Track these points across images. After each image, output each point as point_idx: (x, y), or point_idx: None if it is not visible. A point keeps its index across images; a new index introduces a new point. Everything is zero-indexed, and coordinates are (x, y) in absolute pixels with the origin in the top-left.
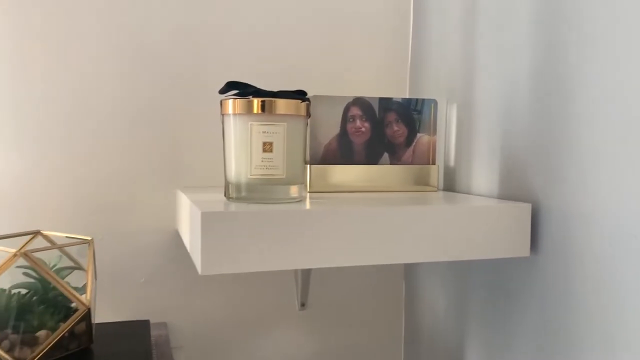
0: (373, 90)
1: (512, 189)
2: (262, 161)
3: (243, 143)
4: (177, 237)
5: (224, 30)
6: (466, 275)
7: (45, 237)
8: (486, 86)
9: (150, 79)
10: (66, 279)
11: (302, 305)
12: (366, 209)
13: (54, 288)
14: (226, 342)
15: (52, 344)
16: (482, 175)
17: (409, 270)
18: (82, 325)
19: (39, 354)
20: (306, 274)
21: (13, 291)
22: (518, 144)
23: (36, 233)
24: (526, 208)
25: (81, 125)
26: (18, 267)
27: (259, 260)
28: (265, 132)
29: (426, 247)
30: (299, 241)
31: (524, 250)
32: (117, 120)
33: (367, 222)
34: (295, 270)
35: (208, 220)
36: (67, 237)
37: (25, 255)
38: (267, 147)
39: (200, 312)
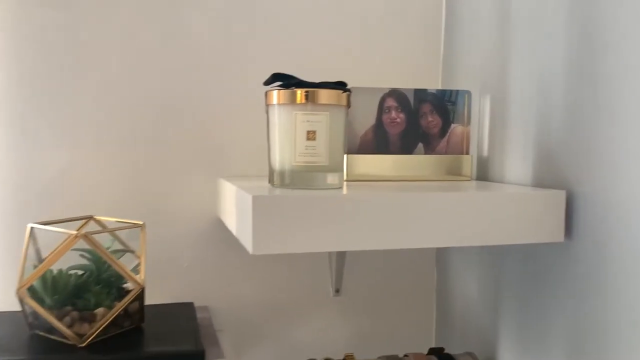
0: (404, 82)
1: (546, 178)
2: (306, 149)
3: (287, 132)
4: (218, 224)
5: (264, 23)
6: (499, 262)
7: (98, 222)
8: (520, 76)
9: (195, 73)
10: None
11: (337, 291)
12: (404, 195)
13: (108, 270)
14: (263, 326)
15: (109, 320)
16: (516, 165)
17: (441, 258)
18: (136, 304)
19: (97, 329)
20: (340, 261)
21: (70, 272)
22: (552, 133)
23: (89, 218)
24: (561, 195)
25: (128, 116)
26: (74, 249)
27: (303, 242)
28: (309, 121)
29: (461, 232)
30: (341, 225)
31: (559, 236)
32: (162, 111)
33: (404, 207)
34: (330, 257)
35: (258, 204)
36: (117, 221)
37: (85, 236)
38: (311, 135)
39: (239, 297)
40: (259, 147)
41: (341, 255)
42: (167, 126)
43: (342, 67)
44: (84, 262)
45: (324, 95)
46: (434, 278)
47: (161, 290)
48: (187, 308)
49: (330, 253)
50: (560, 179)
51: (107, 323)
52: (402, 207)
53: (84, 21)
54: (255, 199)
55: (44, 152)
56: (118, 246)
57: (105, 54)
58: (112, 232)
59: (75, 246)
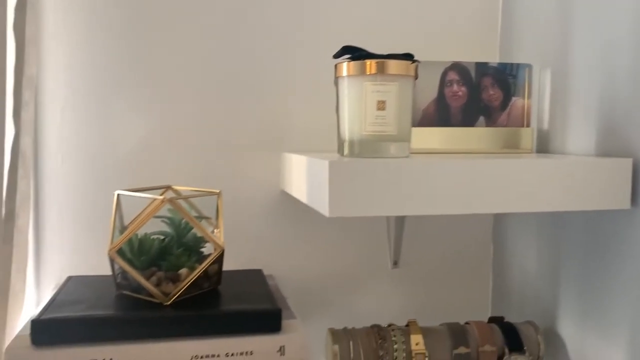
0: (462, 55)
1: (609, 148)
2: (376, 119)
3: (357, 102)
4: (281, 198)
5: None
6: (559, 232)
7: (175, 191)
8: (582, 47)
9: (260, 50)
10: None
11: (395, 263)
12: (471, 161)
13: (187, 235)
14: (323, 296)
15: (191, 280)
16: (578, 137)
17: (498, 232)
18: (215, 267)
19: (181, 289)
20: (399, 234)
21: (153, 237)
22: (617, 104)
23: (167, 187)
24: (626, 162)
25: (199, 92)
26: (155, 217)
27: (375, 205)
28: (379, 91)
29: (525, 198)
30: (410, 190)
31: (624, 203)
32: (231, 88)
33: (471, 173)
34: (389, 231)
35: (334, 169)
36: (193, 190)
37: (171, 201)
38: (381, 105)
39: (301, 267)
40: (321, 124)
41: (399, 229)
42: (235, 102)
43: (402, 41)
44: (164, 229)
45: (394, 66)
46: (490, 252)
47: (227, 259)
48: (257, 274)
49: (388, 226)
50: (625, 149)
51: (190, 282)
52: (469, 173)
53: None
54: (332, 164)
55: (122, 127)
56: (194, 214)
57: (177, 31)
58: (194, 197)
59: (157, 213)
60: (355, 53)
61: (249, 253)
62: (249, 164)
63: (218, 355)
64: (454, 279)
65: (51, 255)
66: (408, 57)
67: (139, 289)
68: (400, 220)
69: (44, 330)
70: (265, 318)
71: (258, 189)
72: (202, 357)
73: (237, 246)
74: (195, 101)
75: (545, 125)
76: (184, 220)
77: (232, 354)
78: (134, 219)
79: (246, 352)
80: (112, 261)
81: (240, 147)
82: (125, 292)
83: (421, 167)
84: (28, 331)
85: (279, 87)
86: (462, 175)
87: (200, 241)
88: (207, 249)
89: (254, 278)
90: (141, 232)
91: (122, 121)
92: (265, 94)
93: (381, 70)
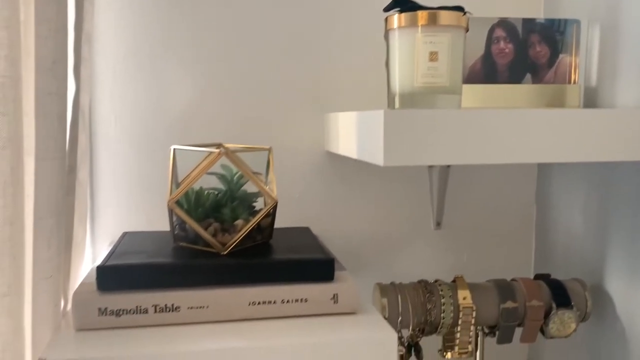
0: (506, 10)
1: None
2: (428, 70)
3: (409, 55)
4: (325, 158)
5: None
6: (606, 189)
7: (226, 148)
8: (634, 1)
9: (301, 8)
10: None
11: (438, 224)
12: (521, 111)
13: (239, 190)
14: (365, 257)
15: (248, 230)
16: (628, 92)
17: (541, 191)
18: (268, 220)
19: (238, 238)
20: (442, 195)
21: (207, 191)
22: None
23: (219, 145)
24: None
25: (247, 50)
26: (208, 173)
27: (426, 155)
28: (431, 42)
29: (575, 148)
30: (462, 139)
31: None
32: (275, 47)
33: (522, 122)
34: (431, 192)
35: (389, 119)
36: (244, 147)
37: (227, 153)
38: (433, 56)
39: (344, 227)
40: (365, 85)
41: (442, 191)
42: (280, 62)
43: None
44: (216, 186)
45: (445, 16)
46: (533, 213)
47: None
48: (305, 231)
49: (431, 188)
50: None
51: (245, 233)
52: (521, 123)
53: None
54: (387, 113)
55: (172, 87)
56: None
57: None
58: (248, 151)
59: (210, 170)
60: (405, 5)
61: (294, 213)
62: (294, 125)
63: (274, 302)
64: (496, 240)
65: (105, 213)
66: (459, 9)
67: (196, 239)
68: (444, 182)
69: (109, 276)
70: (320, 267)
71: (302, 150)
72: (258, 303)
73: (282, 205)
74: (243, 61)
75: (593, 82)
76: (236, 176)
77: (288, 301)
78: (189, 174)
79: (301, 299)
80: (170, 212)
81: (286, 108)
82: (182, 244)
83: (473, 117)
84: (91, 279)
85: (323, 48)
86: (513, 125)
87: (252, 196)
88: (258, 204)
89: (303, 234)
90: (195, 187)
91: (173, 81)
92: (310, 56)
93: (433, 21)
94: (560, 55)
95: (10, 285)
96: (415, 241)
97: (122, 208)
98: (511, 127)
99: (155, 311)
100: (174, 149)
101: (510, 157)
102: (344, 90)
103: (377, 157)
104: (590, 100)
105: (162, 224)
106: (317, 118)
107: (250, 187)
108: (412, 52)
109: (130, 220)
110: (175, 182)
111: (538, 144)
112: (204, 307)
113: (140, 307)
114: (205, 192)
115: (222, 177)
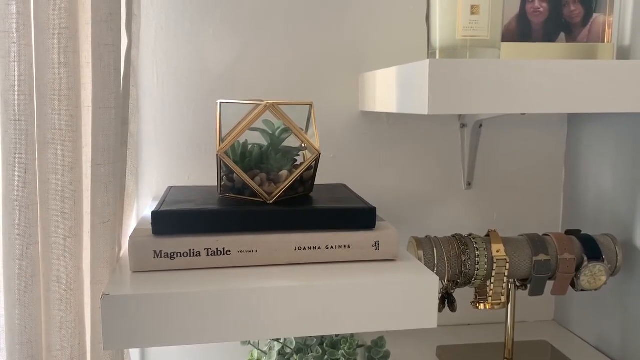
0: None
1: None
2: (470, 23)
3: (451, 7)
4: (359, 119)
5: None
6: (638, 146)
7: (271, 102)
8: None
9: None
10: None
11: (468, 184)
12: (560, 62)
13: (282, 144)
14: (398, 215)
15: (292, 180)
16: None
17: (570, 149)
18: (310, 172)
19: (281, 190)
20: (472, 156)
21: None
22: None
23: (261, 101)
24: None
25: (286, 10)
26: (251, 129)
27: (469, 104)
28: None
29: (611, 99)
30: (502, 90)
31: None
32: (311, 5)
33: (559, 73)
34: (463, 152)
35: (434, 68)
36: (286, 102)
37: (272, 106)
38: (475, 9)
39: (377, 187)
40: (401, 43)
41: (473, 151)
42: (317, 23)
43: None
44: (259, 142)
45: None
46: (562, 172)
47: None
48: (342, 186)
49: (463, 148)
50: None
51: (290, 183)
52: (559, 73)
53: None
54: (432, 63)
55: (213, 46)
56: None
57: None
58: (291, 105)
59: (253, 125)
60: None
61: (330, 173)
62: (330, 85)
63: (319, 247)
64: (526, 200)
65: (148, 169)
66: None
67: (243, 189)
68: (475, 142)
69: (164, 221)
70: (362, 215)
71: (337, 110)
72: (304, 248)
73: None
74: (282, 21)
75: (627, 41)
76: (278, 131)
77: (332, 247)
78: (234, 127)
79: (344, 246)
80: (219, 163)
81: (322, 69)
82: (228, 194)
83: (516, 67)
84: (143, 226)
85: (359, 11)
86: (554, 76)
87: (294, 151)
88: (299, 158)
89: (341, 188)
90: (241, 140)
91: (214, 40)
92: (347, 16)
93: None
94: (594, 15)
95: (72, 228)
96: (447, 201)
97: (163, 165)
98: (551, 78)
99: (208, 254)
100: (220, 103)
101: (549, 107)
102: (380, 51)
103: (422, 107)
104: (624, 59)
105: (203, 181)
106: (352, 79)
107: (291, 142)
108: (454, 5)
109: (172, 178)
110: (221, 137)
111: (575, 94)
112: (253, 251)
113: (193, 250)
114: (250, 145)
115: (264, 132)
